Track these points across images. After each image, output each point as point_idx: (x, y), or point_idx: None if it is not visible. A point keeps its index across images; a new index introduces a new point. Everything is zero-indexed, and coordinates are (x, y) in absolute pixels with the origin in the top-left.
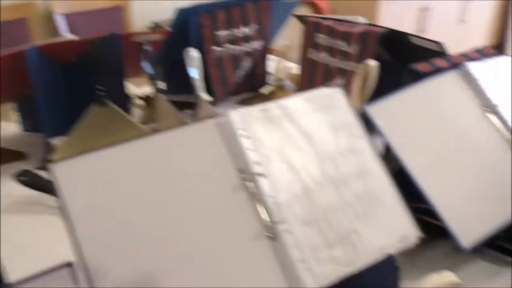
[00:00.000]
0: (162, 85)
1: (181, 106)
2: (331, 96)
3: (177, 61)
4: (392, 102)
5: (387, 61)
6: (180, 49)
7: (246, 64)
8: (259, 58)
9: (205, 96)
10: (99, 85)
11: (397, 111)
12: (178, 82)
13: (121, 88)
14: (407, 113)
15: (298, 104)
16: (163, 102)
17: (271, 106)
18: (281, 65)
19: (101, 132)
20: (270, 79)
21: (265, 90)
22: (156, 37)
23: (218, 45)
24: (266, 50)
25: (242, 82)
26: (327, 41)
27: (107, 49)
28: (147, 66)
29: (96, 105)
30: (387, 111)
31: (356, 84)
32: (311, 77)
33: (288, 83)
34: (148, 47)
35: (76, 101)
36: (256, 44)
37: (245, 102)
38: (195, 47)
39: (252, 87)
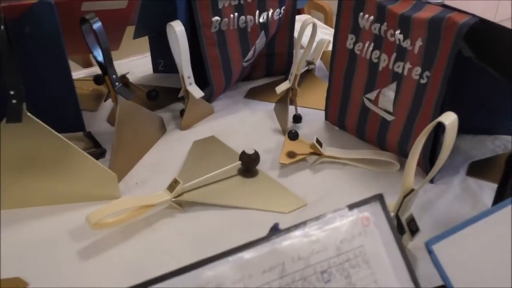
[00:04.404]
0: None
1: (170, 95)
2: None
3: (160, 35)
4: (470, 233)
5: (472, 63)
6: (160, 20)
7: (261, 41)
8: (279, 32)
9: (194, 91)
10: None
11: (476, 249)
12: (164, 60)
13: (63, 75)
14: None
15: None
16: (123, 101)
17: None
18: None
19: (23, 153)
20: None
21: (278, 88)
22: (112, 4)
23: (219, 14)
24: (289, 21)
25: (255, 66)
26: (374, 26)
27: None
28: (93, 47)
29: (8, 117)
30: (460, 246)
31: (415, 147)
32: (348, 76)
33: (321, 65)
34: (93, 18)
35: None
36: (275, 13)
37: (254, 95)
38: (183, 18)
39: (269, 71)
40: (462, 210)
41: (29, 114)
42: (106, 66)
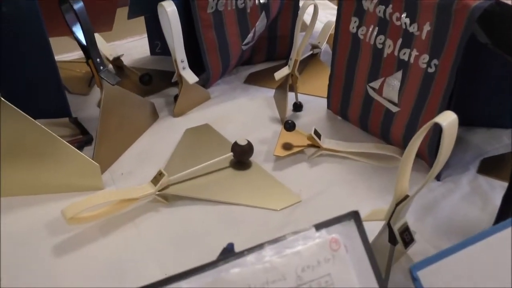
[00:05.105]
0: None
1: (165, 79)
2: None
3: (156, 16)
4: (462, 259)
5: (485, 50)
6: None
7: (261, 23)
8: (282, 13)
9: (188, 76)
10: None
11: (468, 277)
12: (162, 42)
13: (44, 56)
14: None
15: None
16: (108, 86)
17: None
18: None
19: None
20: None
21: (277, 74)
22: None
23: None
24: (292, 1)
25: (256, 49)
26: (379, 8)
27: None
28: (75, 28)
29: None
30: (450, 274)
31: (409, 150)
32: (351, 62)
33: (328, 49)
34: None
35: None
36: None
37: (254, 81)
38: None
39: (271, 55)
40: (470, 212)
41: (3, 99)
42: (89, 48)
